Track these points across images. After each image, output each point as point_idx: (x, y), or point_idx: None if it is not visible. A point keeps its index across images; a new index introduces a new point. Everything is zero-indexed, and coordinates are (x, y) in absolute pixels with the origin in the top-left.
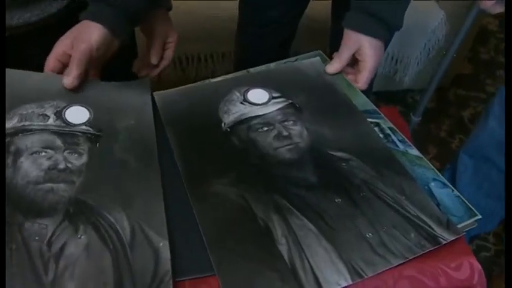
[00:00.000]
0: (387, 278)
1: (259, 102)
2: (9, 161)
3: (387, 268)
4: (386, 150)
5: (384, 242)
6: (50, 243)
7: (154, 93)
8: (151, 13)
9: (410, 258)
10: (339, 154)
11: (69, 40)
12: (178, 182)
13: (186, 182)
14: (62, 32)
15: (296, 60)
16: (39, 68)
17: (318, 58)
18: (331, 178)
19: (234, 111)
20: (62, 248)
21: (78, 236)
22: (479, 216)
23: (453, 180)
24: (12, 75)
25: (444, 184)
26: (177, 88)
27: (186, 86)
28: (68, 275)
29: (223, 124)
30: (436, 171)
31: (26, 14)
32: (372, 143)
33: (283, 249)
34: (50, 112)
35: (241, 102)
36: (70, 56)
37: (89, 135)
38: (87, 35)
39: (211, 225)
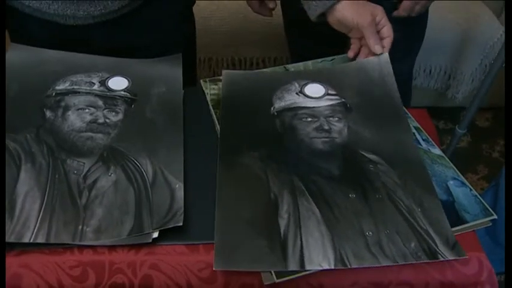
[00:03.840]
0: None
1: (314, 96)
2: (59, 113)
3: (374, 266)
4: (419, 163)
5: (381, 242)
6: (85, 177)
7: (223, 71)
8: None
9: (401, 264)
10: (371, 156)
11: None
12: (208, 158)
13: (220, 150)
14: (121, 26)
15: (333, 60)
16: (97, 52)
17: (386, 55)
18: (353, 175)
19: (287, 99)
20: (94, 182)
21: (109, 174)
22: (495, 216)
23: (496, 196)
24: (69, 55)
25: (463, 183)
26: (244, 71)
27: (253, 71)
28: (98, 202)
29: (272, 108)
30: (457, 170)
31: (90, 8)
32: (407, 153)
33: (282, 222)
34: (95, 80)
35: (297, 93)
36: None
37: (126, 99)
38: None
39: (226, 187)
